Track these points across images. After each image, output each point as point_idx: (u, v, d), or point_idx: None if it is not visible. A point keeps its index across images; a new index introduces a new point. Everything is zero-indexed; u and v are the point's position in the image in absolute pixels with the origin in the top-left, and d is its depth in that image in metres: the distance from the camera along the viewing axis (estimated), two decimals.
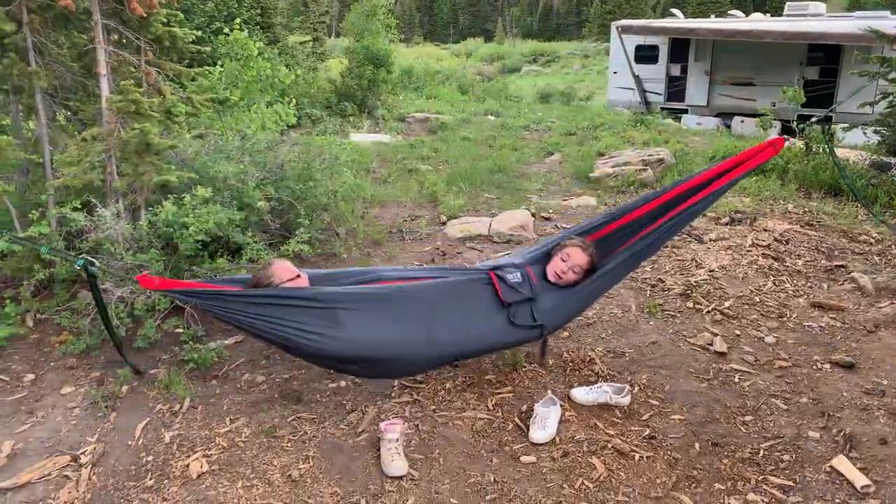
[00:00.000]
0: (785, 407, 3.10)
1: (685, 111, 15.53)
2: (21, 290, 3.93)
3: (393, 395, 3.22)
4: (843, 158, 7.65)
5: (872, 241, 5.31)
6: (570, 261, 3.10)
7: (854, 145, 8.33)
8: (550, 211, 6.40)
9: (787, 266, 4.75)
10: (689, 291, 4.31)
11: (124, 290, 3.60)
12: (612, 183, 7.34)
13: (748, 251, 4.96)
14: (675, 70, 15.95)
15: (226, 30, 7.31)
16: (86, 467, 2.73)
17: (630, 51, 16.13)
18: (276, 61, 8.11)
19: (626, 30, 16.10)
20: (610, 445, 2.82)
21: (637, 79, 16.23)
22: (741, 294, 4.28)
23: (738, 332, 3.83)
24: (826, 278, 4.58)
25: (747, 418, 3.02)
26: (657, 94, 16.25)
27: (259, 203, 4.30)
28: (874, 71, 7.01)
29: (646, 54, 16.19)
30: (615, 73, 17.06)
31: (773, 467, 2.69)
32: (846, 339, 3.72)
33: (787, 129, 11.13)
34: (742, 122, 13.25)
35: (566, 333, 3.80)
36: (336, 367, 3.10)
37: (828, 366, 3.45)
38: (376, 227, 5.70)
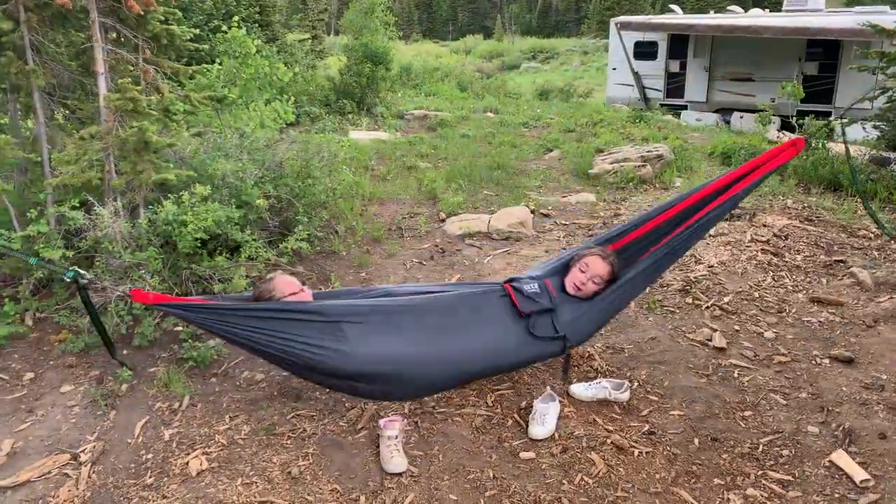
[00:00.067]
0: (784, 402, 3.11)
1: (684, 107, 15.52)
2: (20, 288, 3.93)
3: None
4: (843, 153, 7.63)
5: (872, 236, 5.30)
6: (590, 271, 2.96)
7: (853, 140, 8.33)
8: (549, 208, 6.39)
9: (787, 261, 4.75)
10: (688, 287, 4.31)
11: (124, 289, 3.59)
12: (611, 179, 7.33)
13: (747, 247, 4.96)
14: (674, 66, 15.94)
15: (224, 27, 7.29)
16: (85, 465, 2.73)
17: (629, 47, 16.11)
18: (275, 59, 8.10)
19: (624, 26, 16.09)
20: (609, 441, 2.82)
21: (636, 75, 16.22)
22: (740, 289, 4.28)
23: (737, 327, 3.83)
24: (825, 273, 4.57)
25: (746, 413, 3.02)
26: (656, 90, 16.24)
27: (258, 201, 4.30)
28: (873, 66, 7.01)
29: (645, 50, 16.18)
30: (614, 69, 17.05)
31: (772, 462, 2.70)
32: (845, 334, 3.72)
33: (786, 125, 11.13)
34: (741, 117, 13.24)
35: None
36: (342, 387, 2.83)
37: (827, 361, 3.45)
38: (375, 224, 5.69)
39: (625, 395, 3.11)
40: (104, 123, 3.84)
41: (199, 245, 3.88)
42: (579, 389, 3.16)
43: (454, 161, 8.23)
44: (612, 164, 7.75)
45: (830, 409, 3.03)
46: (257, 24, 13.84)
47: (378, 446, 2.78)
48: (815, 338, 3.70)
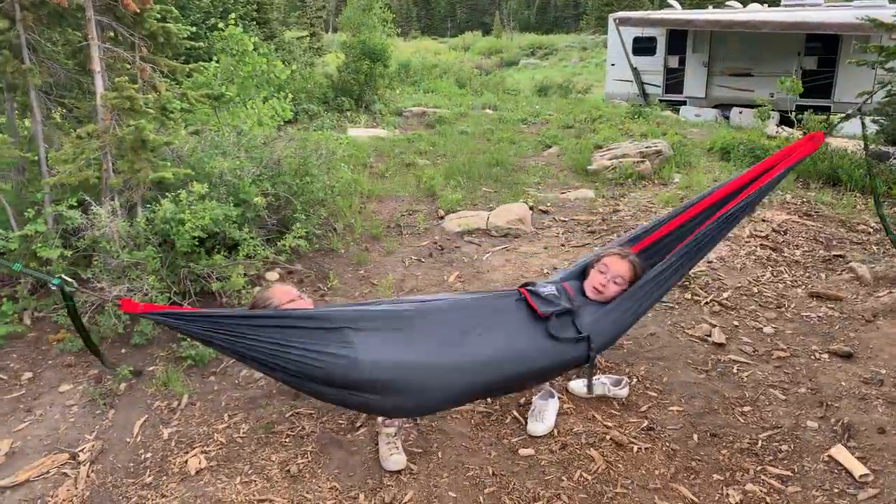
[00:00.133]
0: (783, 397, 3.10)
1: (683, 103, 15.49)
2: (18, 288, 3.92)
3: None
4: (842, 148, 7.63)
5: (870, 230, 5.30)
6: (610, 271, 2.79)
7: (852, 135, 8.31)
8: (548, 204, 6.38)
9: (786, 256, 4.75)
10: (687, 282, 4.31)
11: (121, 288, 3.59)
12: (610, 175, 7.32)
13: (746, 242, 4.96)
14: (673, 62, 15.90)
15: (221, 25, 7.26)
16: (84, 465, 2.73)
17: (628, 43, 16.08)
18: (272, 56, 8.07)
19: (623, 22, 16.06)
20: (608, 437, 2.82)
21: (635, 71, 16.19)
22: (739, 285, 4.28)
23: (736, 322, 3.82)
24: (824, 268, 4.57)
25: (746, 409, 3.02)
26: (655, 85, 16.21)
27: (255, 199, 4.29)
28: (872, 60, 6.99)
29: (643, 46, 16.15)
30: (613, 65, 17.01)
31: (771, 457, 2.70)
32: (844, 329, 3.72)
33: (785, 120, 11.11)
34: (740, 112, 13.21)
35: None
36: (347, 401, 2.57)
37: (826, 356, 3.45)
38: (374, 221, 5.69)
39: (624, 391, 3.11)
40: (101, 122, 3.84)
41: (196, 243, 3.87)
42: (578, 386, 3.16)
43: (453, 158, 8.22)
44: (610, 160, 7.73)
45: (829, 403, 3.03)
46: (255, 22, 13.80)
47: (377, 444, 2.78)
48: (815, 333, 3.70)
